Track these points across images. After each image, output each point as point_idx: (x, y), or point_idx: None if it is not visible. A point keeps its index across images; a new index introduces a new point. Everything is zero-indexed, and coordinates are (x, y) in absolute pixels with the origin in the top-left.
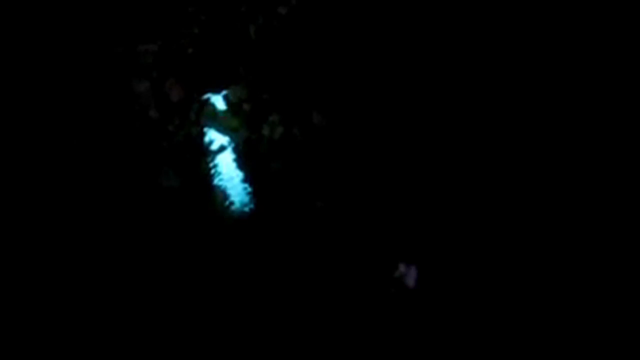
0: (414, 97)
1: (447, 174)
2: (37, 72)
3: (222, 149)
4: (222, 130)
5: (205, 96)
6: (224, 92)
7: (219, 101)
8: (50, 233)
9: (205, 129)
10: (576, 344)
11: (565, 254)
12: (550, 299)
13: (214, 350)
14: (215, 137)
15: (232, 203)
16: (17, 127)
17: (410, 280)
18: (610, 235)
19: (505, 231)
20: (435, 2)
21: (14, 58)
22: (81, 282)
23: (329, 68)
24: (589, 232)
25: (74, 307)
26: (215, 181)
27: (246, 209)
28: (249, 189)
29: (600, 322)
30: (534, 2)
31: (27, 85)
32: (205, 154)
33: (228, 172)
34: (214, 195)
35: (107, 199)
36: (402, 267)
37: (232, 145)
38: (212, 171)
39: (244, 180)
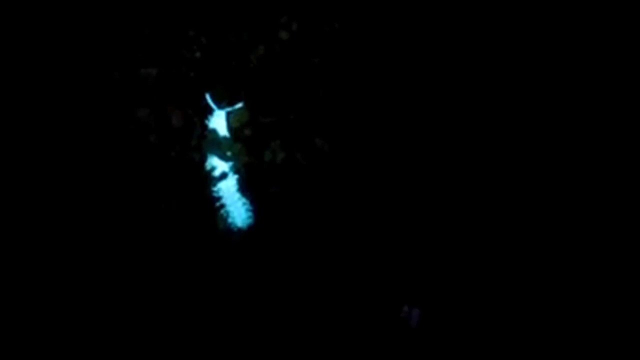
0: (417, 123)
1: (452, 208)
2: (39, 96)
3: (224, 175)
4: (224, 156)
5: (207, 121)
6: (226, 118)
7: (220, 127)
8: (55, 258)
9: (207, 155)
10: None
11: (571, 299)
12: (556, 339)
13: None
14: (217, 164)
15: (235, 228)
16: (19, 150)
17: (414, 321)
18: (611, 236)
19: (507, 274)
20: (432, 34)
21: (16, 82)
22: (88, 300)
23: (330, 93)
24: (592, 250)
25: (74, 324)
26: (218, 207)
27: (249, 234)
28: (252, 214)
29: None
30: (534, 2)
31: (28, 109)
32: (208, 180)
33: (230, 197)
34: (217, 220)
35: (111, 223)
36: (406, 309)
37: (234, 171)
38: (215, 197)
39: (247, 206)
